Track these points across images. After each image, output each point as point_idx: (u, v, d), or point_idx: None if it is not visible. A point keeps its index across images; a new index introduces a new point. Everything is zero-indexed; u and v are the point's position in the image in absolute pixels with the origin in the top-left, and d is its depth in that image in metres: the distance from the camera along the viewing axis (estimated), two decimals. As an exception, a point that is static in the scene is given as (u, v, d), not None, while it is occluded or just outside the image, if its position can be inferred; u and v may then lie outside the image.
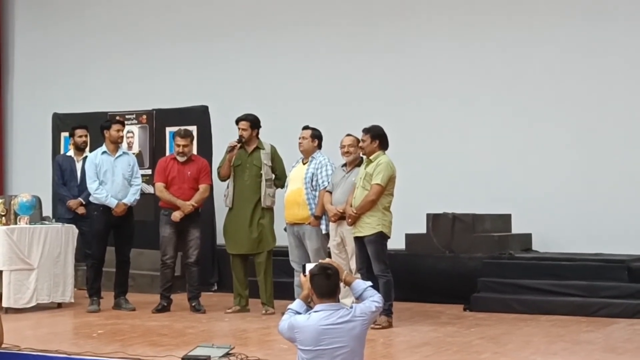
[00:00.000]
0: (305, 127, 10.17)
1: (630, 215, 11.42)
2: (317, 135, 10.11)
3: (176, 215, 10.35)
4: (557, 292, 10.30)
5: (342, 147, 9.66)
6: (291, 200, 10.03)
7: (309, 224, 9.89)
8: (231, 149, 10.30)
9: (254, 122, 10.39)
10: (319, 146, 10.12)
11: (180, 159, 10.49)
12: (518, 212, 11.80)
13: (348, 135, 9.69)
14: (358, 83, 12.96)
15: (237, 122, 10.40)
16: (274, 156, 10.43)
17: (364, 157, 9.46)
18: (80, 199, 11.26)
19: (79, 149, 11.57)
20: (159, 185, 10.50)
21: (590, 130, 11.84)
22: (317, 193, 9.87)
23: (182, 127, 10.90)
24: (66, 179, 11.47)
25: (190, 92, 13.38)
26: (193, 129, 11.70)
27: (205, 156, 11.50)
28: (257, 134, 10.43)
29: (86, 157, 11.24)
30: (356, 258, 9.37)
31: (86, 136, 11.59)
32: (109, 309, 10.48)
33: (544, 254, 11.36)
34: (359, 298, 5.72)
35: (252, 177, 10.31)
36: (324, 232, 9.85)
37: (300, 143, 10.12)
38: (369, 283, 5.88)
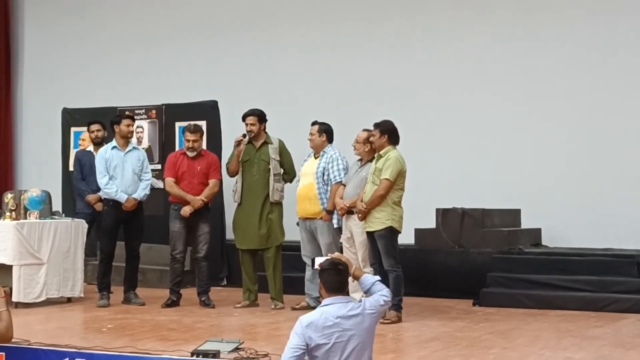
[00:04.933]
0: (314, 123, 10.17)
1: (640, 211, 11.42)
2: (325, 130, 10.10)
3: (186, 210, 10.36)
4: (566, 287, 10.29)
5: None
6: (303, 195, 10.04)
7: (321, 218, 9.90)
8: (238, 143, 10.30)
9: (261, 117, 10.40)
10: (329, 140, 10.12)
11: (190, 154, 10.49)
12: (527, 207, 11.79)
13: (363, 130, 9.68)
14: (367, 78, 12.94)
15: (245, 117, 10.39)
16: (282, 150, 10.43)
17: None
18: (99, 194, 11.28)
19: (95, 144, 11.60)
20: (169, 180, 10.51)
21: (600, 125, 11.80)
22: (328, 187, 9.88)
23: (192, 122, 10.93)
24: (85, 174, 11.48)
25: (200, 87, 13.40)
26: (202, 124, 11.73)
27: (215, 151, 11.50)
28: (264, 128, 10.44)
29: (104, 151, 11.34)
30: (369, 253, 9.39)
31: (99, 131, 11.62)
32: (118, 304, 10.50)
33: (553, 249, 11.34)
34: (367, 292, 5.73)
35: (261, 172, 10.32)
36: (335, 226, 9.85)
37: (310, 140, 10.12)
38: (377, 277, 5.89)
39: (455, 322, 9.26)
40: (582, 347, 7.76)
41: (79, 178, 11.54)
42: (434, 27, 12.73)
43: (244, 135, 10.32)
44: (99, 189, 11.23)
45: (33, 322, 9.21)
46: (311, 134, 10.11)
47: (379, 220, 9.13)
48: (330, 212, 9.84)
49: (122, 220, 10.56)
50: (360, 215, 9.26)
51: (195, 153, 10.51)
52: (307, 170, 10.11)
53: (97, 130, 11.62)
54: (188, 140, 10.50)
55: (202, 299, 10.43)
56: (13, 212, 10.41)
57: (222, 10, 14.09)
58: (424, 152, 12.01)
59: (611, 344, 7.94)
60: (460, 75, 12.49)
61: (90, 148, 11.70)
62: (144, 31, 14.53)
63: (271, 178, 10.29)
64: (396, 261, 9.16)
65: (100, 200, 11.24)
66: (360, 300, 5.56)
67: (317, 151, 10.09)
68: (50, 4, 15.44)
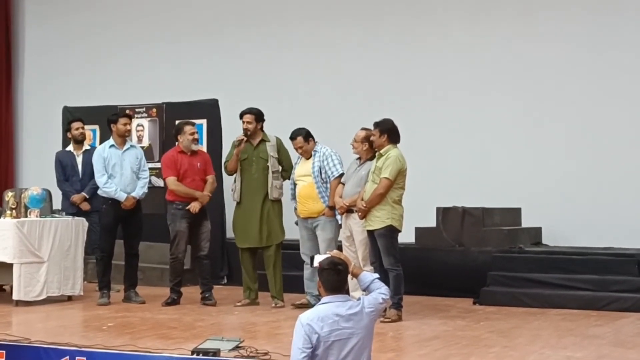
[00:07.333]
0: (293, 137, 10.07)
1: (640, 209, 11.42)
2: (307, 135, 10.05)
3: (196, 207, 10.31)
4: (566, 286, 10.29)
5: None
6: (304, 195, 10.01)
7: (324, 214, 9.90)
8: (239, 143, 10.28)
9: (258, 115, 10.38)
10: (314, 140, 10.10)
11: (195, 147, 10.51)
12: (528, 206, 11.79)
13: (361, 129, 9.66)
14: (367, 77, 12.94)
15: (242, 115, 10.39)
16: (280, 148, 10.42)
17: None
18: (83, 193, 11.27)
19: (78, 142, 11.57)
20: (172, 179, 10.39)
21: (600, 124, 11.81)
22: (328, 185, 9.88)
23: (184, 120, 10.89)
24: (68, 175, 11.48)
25: (200, 86, 13.39)
26: (203, 122, 11.71)
27: (215, 150, 11.52)
28: (262, 127, 10.42)
29: (86, 150, 11.34)
30: (369, 251, 9.38)
31: (83, 128, 11.62)
32: (118, 302, 10.50)
33: (553, 248, 11.35)
34: (366, 290, 5.72)
35: (260, 170, 10.31)
36: (339, 222, 9.84)
37: (301, 153, 10.08)
38: (376, 275, 5.87)
39: (455, 320, 9.25)
40: (583, 346, 7.76)
41: (61, 179, 11.51)
42: (434, 26, 12.74)
43: (245, 135, 10.31)
44: (82, 189, 11.25)
45: (33, 321, 9.22)
46: (299, 147, 10.05)
47: (379, 219, 9.12)
48: (332, 208, 9.82)
49: (121, 218, 10.55)
50: (360, 214, 9.26)
51: (198, 147, 10.55)
52: (302, 172, 10.06)
53: (82, 128, 11.59)
54: (193, 133, 10.48)
55: (206, 295, 10.42)
56: (13, 211, 10.41)
57: (222, 9, 14.08)
58: (424, 151, 12.00)
59: (611, 343, 7.93)
60: (461, 74, 12.49)
61: (70, 148, 11.67)
62: (144, 29, 14.53)
63: (270, 176, 10.29)
64: (396, 260, 9.15)
65: (85, 199, 11.24)
66: (359, 299, 5.55)
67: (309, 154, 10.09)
68: (51, 2, 15.43)
